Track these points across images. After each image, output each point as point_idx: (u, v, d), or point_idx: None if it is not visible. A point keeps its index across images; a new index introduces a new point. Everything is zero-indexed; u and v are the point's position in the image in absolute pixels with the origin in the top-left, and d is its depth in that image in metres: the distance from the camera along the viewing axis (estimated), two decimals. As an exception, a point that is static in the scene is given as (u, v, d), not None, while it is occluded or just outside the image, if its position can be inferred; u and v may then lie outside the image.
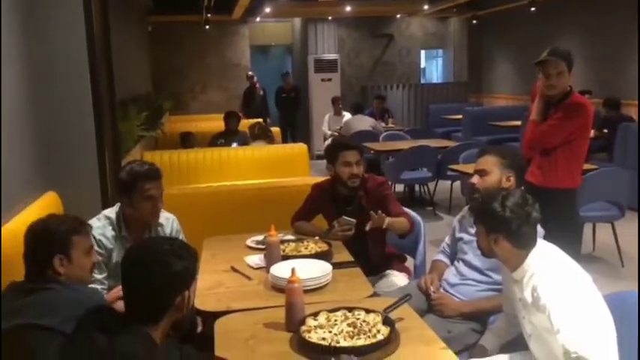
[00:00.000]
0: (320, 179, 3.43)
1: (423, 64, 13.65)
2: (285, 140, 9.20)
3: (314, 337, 1.84)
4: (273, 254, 2.59)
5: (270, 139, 6.54)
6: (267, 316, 2.09)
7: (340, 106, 9.17)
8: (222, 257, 2.81)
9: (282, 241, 2.81)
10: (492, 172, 2.52)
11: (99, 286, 2.41)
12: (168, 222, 2.77)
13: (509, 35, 11.69)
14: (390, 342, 1.83)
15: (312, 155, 9.40)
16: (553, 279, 1.86)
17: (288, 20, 12.21)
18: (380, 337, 1.83)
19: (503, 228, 1.93)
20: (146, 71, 9.30)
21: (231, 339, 1.94)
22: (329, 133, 8.91)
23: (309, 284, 2.29)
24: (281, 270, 2.39)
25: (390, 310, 2.00)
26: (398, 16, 11.90)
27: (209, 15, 9.58)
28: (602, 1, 8.99)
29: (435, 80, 14.24)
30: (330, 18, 11.32)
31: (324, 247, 2.79)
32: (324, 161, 3.34)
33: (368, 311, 2.01)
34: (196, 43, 11.18)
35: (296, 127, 11.03)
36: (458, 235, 2.72)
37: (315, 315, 2.00)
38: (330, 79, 10.98)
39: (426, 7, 10.44)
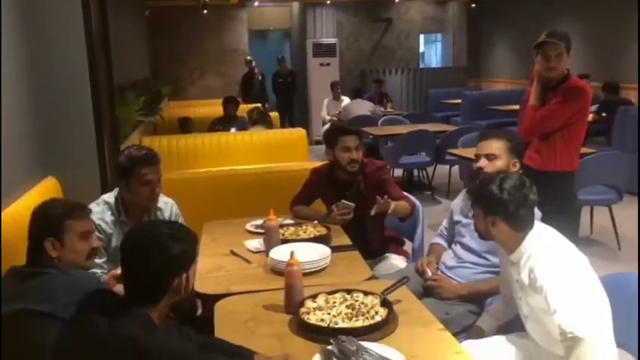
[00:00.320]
0: (319, 164, 3.43)
1: (422, 49, 13.59)
2: (282, 125, 9.19)
3: (313, 319, 1.86)
4: (272, 238, 2.61)
5: (268, 124, 6.54)
6: (266, 299, 2.11)
7: (339, 91, 9.14)
8: (221, 241, 2.82)
9: (282, 226, 2.83)
10: (501, 156, 2.51)
11: (99, 271, 2.42)
12: (167, 206, 2.78)
13: (508, 19, 11.62)
14: (388, 323, 1.85)
15: (311, 140, 9.39)
16: (550, 261, 1.87)
17: (287, 4, 12.13)
18: (378, 318, 1.85)
19: (500, 210, 1.94)
20: (144, 56, 9.26)
21: (231, 321, 1.96)
22: (328, 118, 8.89)
23: (307, 267, 2.30)
24: (280, 253, 2.40)
25: (388, 292, 2.02)
26: (397, 0, 11.83)
27: (207, -1, 9.53)
28: (602, -16, 8.94)
29: (433, 65, 14.18)
30: (328, 2, 11.25)
31: (323, 231, 2.81)
32: (323, 146, 3.34)
33: (366, 293, 2.03)
34: (194, 28, 11.11)
35: (293, 112, 11.02)
36: (455, 218, 2.73)
37: (313, 297, 2.01)
38: (328, 64, 10.92)
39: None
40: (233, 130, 6.35)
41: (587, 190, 4.52)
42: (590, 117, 3.80)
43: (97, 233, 2.45)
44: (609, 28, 8.88)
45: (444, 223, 2.88)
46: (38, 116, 2.97)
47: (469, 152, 5.24)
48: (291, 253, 2.07)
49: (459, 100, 9.94)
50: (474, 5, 11.64)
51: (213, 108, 7.76)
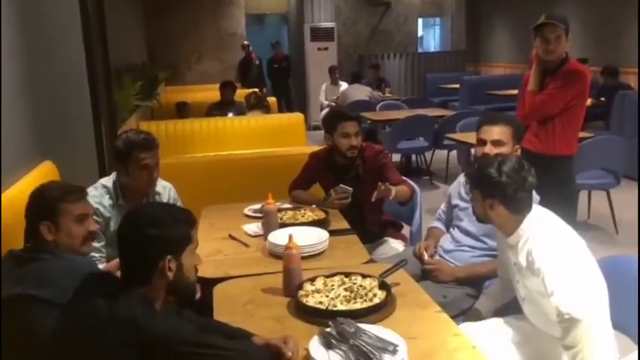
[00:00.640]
0: (317, 149, 3.42)
1: (420, 33, 13.52)
2: (280, 110, 9.16)
3: (311, 302, 1.87)
4: (270, 222, 2.61)
5: (266, 108, 6.51)
6: (265, 282, 2.11)
7: (337, 76, 9.10)
8: (220, 226, 2.83)
9: (280, 210, 2.83)
10: (507, 143, 2.48)
11: (97, 254, 2.42)
12: (165, 190, 2.78)
13: (508, 3, 11.55)
14: (387, 306, 1.86)
15: (309, 126, 9.36)
16: (547, 243, 1.88)
17: (284, -12, 12.05)
18: (376, 300, 1.86)
19: (499, 193, 1.94)
20: (141, 40, 9.19)
21: (230, 304, 1.97)
22: (326, 103, 8.86)
23: (306, 251, 2.31)
24: (279, 237, 2.41)
25: (386, 275, 2.03)
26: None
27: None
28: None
29: (432, 49, 14.11)
30: (326, -15, 11.17)
31: (321, 215, 2.81)
32: (321, 132, 3.32)
33: (364, 276, 2.04)
34: (191, 12, 11.01)
35: (291, 97, 10.97)
36: (453, 202, 2.73)
37: (312, 280, 2.02)
38: (326, 48, 10.84)
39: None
40: (230, 115, 6.33)
41: (585, 174, 4.52)
42: (589, 101, 3.78)
43: (95, 217, 2.45)
44: (608, 12, 8.83)
45: (442, 207, 2.88)
46: (35, 100, 2.95)
47: (467, 137, 5.24)
48: (290, 237, 2.07)
49: (458, 85, 9.92)
50: (472, -11, 11.58)
51: (211, 93, 7.72)
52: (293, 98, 11.05)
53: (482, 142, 2.53)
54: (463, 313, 2.35)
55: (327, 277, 2.05)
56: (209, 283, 2.16)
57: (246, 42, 11.04)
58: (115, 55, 4.64)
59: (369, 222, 3.06)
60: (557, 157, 3.22)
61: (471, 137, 4.93)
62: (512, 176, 1.92)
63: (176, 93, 8.70)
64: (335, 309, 1.82)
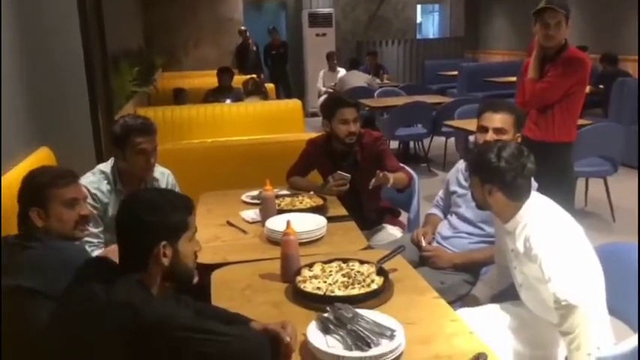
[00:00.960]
0: (315, 135, 3.41)
1: (419, 19, 13.44)
2: (278, 97, 9.12)
3: (309, 287, 1.87)
4: (268, 208, 2.61)
5: (263, 94, 6.49)
6: (262, 268, 2.12)
7: (335, 62, 9.05)
8: (218, 212, 2.82)
9: (278, 196, 2.83)
10: (509, 131, 2.47)
11: (95, 240, 2.42)
12: (163, 176, 2.77)
13: (507, -11, 11.48)
14: (384, 291, 1.87)
15: (307, 113, 9.33)
16: (545, 230, 1.88)
17: (282, -27, 11.94)
18: (374, 286, 1.86)
19: (498, 179, 1.94)
20: (138, 26, 9.12)
21: (228, 289, 1.97)
22: (324, 89, 8.83)
23: (304, 237, 2.31)
24: (276, 223, 2.41)
25: (383, 261, 2.03)
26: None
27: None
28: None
29: (430, 36, 14.04)
30: (324, -30, 11.08)
31: (319, 201, 2.81)
32: (319, 119, 3.31)
33: (362, 262, 2.04)
34: (188, -4, 10.93)
35: (289, 84, 10.92)
36: (451, 188, 2.73)
37: (310, 266, 2.02)
38: (324, 34, 10.77)
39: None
40: (228, 101, 6.30)
41: (583, 161, 4.52)
42: (588, 89, 3.76)
43: (93, 202, 2.45)
44: (608, 0, 8.78)
45: (440, 193, 2.88)
46: (31, 86, 2.93)
47: (465, 124, 5.23)
48: (288, 223, 2.07)
49: (456, 72, 9.88)
50: (472, -25, 11.50)
51: (208, 79, 7.68)
52: (291, 84, 10.99)
53: (483, 130, 2.51)
54: (460, 299, 2.36)
55: (325, 263, 2.05)
56: (207, 269, 2.17)
57: (242, 27, 10.96)
58: (112, 41, 4.60)
59: (367, 208, 3.06)
60: (557, 144, 3.22)
61: (469, 124, 4.93)
62: (511, 162, 1.92)
63: (173, 79, 8.66)
64: (333, 294, 1.82)
